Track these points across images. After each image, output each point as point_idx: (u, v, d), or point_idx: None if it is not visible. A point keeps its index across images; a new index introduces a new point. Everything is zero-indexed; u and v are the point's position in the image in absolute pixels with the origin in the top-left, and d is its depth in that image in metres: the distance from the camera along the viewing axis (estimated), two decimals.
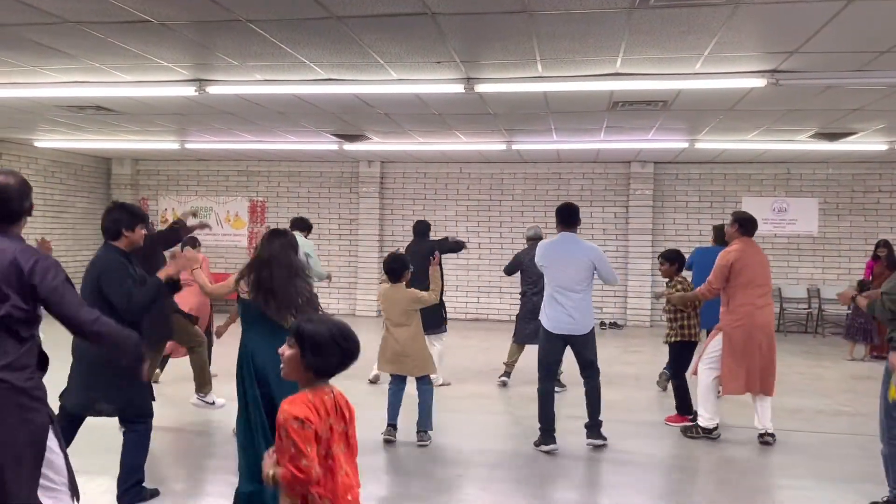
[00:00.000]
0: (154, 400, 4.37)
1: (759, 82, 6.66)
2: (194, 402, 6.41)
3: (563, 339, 5.70)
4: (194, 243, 8.12)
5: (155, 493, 4.41)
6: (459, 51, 6.20)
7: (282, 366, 2.40)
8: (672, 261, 6.87)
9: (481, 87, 7.21)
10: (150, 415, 4.29)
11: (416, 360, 5.68)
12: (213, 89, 7.52)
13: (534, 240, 8.22)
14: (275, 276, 4.11)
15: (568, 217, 5.86)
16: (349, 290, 14.47)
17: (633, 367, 9.54)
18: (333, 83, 7.35)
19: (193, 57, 6.59)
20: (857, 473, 5.24)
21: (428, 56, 6.36)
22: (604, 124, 9.57)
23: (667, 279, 6.95)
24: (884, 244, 10.38)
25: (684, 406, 6.52)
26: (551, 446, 5.59)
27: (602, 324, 13.42)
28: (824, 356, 10.67)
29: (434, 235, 13.35)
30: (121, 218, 4.26)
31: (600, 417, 5.74)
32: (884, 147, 10.69)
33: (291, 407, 2.28)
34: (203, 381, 6.35)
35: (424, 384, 5.79)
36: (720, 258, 6.01)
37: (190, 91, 7.54)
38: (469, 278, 14.19)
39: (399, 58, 6.43)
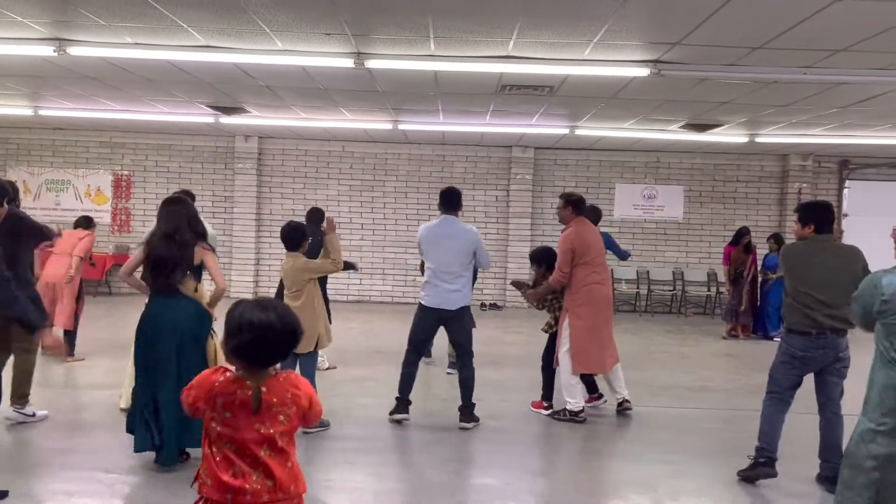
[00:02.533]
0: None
1: (643, 71, 6.89)
2: (8, 416, 5.45)
3: (437, 314, 5.78)
4: (89, 223, 7.97)
5: (3, 495, 3.97)
6: (351, 23, 5.98)
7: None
8: (539, 262, 6.61)
9: (372, 63, 7.01)
10: None
11: (308, 335, 5.43)
12: (74, 50, 6.86)
13: None
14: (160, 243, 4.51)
15: (451, 201, 5.93)
16: (224, 270, 13.74)
17: (513, 347, 9.73)
18: (213, 51, 6.90)
19: (53, 13, 5.96)
20: (722, 447, 5.55)
21: (317, 27, 6.09)
22: (490, 108, 9.62)
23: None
24: (746, 231, 11.16)
25: (548, 394, 6.41)
26: (403, 415, 5.75)
27: (482, 305, 13.61)
28: (688, 335, 11.36)
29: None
30: None
31: (473, 401, 5.85)
32: (744, 139, 11.45)
33: (196, 380, 2.26)
34: (24, 391, 5.52)
35: (308, 364, 5.52)
36: (562, 243, 6.03)
37: (48, 51, 6.84)
38: (352, 259, 13.92)
39: (287, 27, 6.11)
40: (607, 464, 5.25)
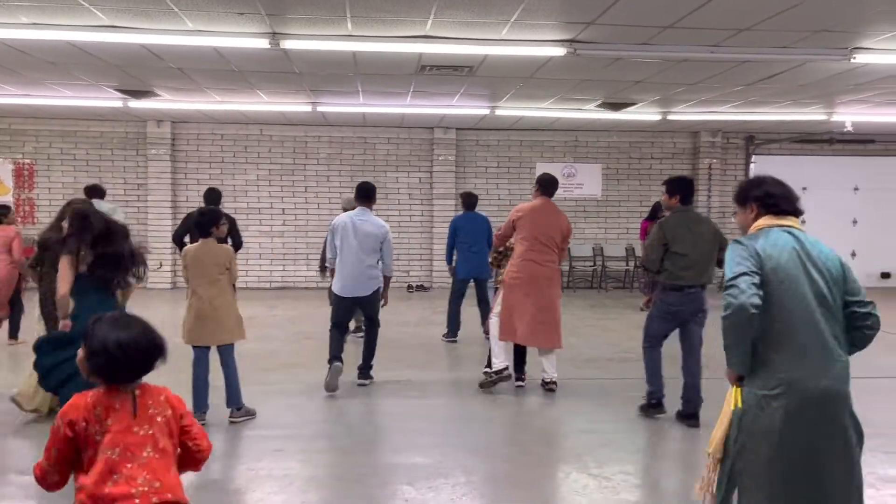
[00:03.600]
0: None
1: (559, 51, 7.00)
2: None
3: (353, 300, 6.36)
4: (7, 212, 7.70)
5: None
6: (265, 2, 5.82)
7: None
8: None
9: (287, 44, 6.85)
10: None
11: (229, 325, 5.34)
12: None
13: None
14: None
15: (365, 194, 6.43)
16: None
17: (440, 327, 9.77)
18: (117, 31, 6.59)
19: None
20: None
21: (230, 6, 5.90)
22: (411, 88, 9.57)
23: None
24: (660, 206, 11.50)
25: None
26: (336, 364, 6.20)
27: (409, 287, 13.62)
28: (609, 308, 11.70)
29: (234, 202, 12.75)
30: None
31: (372, 363, 6.53)
32: (657, 117, 11.82)
33: (66, 405, 2.22)
34: None
35: (230, 354, 5.43)
36: (512, 213, 6.35)
37: None
38: (273, 245, 13.70)
39: (196, 6, 5.90)
40: (536, 436, 5.37)
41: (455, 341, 8.56)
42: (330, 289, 6.64)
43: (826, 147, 14.14)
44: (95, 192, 8.40)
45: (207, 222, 5.34)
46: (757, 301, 2.63)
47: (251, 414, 5.46)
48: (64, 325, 4.41)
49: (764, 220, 2.87)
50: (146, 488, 2.15)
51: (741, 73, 8.33)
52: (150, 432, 2.22)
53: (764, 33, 6.53)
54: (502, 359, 6.29)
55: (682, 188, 5.54)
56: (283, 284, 13.74)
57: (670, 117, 11.78)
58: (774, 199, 2.86)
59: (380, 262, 6.34)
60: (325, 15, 6.15)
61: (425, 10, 6.00)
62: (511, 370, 6.39)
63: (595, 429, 5.40)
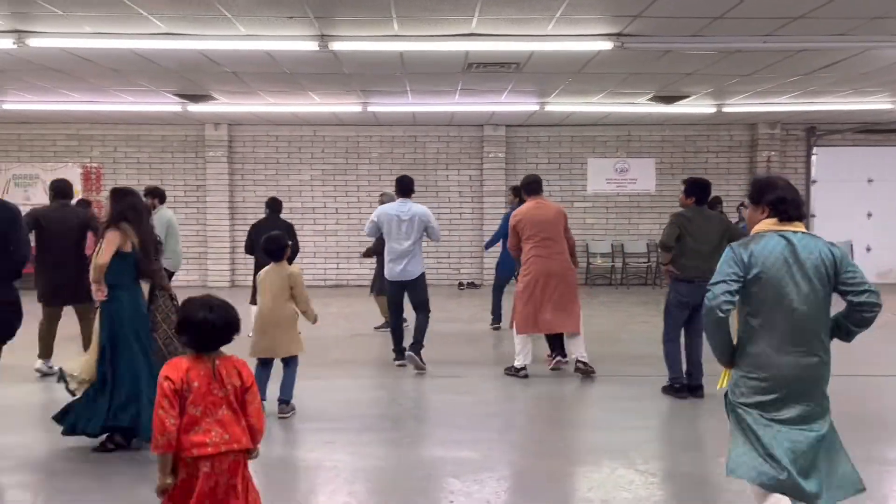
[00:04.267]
0: None
1: (606, 45, 6.94)
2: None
3: (401, 284, 6.92)
4: (88, 206, 8.06)
5: None
6: (313, 6, 5.96)
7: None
8: None
9: (336, 45, 6.99)
10: None
11: (290, 337, 5.53)
12: (34, 42, 6.77)
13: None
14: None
15: (406, 187, 7.05)
16: (199, 260, 13.76)
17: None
18: (175, 38, 6.84)
19: (10, 4, 5.88)
20: (695, 411, 5.70)
21: (279, 10, 6.06)
22: (459, 86, 9.62)
23: None
24: (719, 201, 11.35)
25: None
26: (402, 361, 6.93)
27: (460, 284, 13.69)
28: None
29: (289, 202, 12.99)
30: None
31: (423, 342, 6.91)
32: (712, 109, 11.57)
33: (166, 366, 2.76)
34: None
35: (294, 363, 5.59)
36: (511, 220, 6.80)
37: (7, 43, 6.75)
38: (327, 244, 13.96)
39: (248, 11, 6.08)
40: (583, 432, 5.37)
41: (499, 328, 9.10)
42: (372, 284, 7.43)
43: (893, 137, 13.60)
44: (156, 193, 8.21)
45: (277, 251, 5.57)
46: (727, 306, 3.02)
47: (293, 410, 5.61)
48: (98, 289, 4.70)
49: (767, 225, 3.10)
50: (218, 439, 2.70)
51: (798, 63, 8.10)
52: (225, 395, 2.74)
53: (818, 21, 6.34)
54: (521, 358, 6.64)
55: (697, 190, 6.11)
56: (338, 282, 13.98)
57: (725, 109, 11.51)
58: (785, 206, 3.08)
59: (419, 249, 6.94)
60: (372, 16, 6.26)
61: (469, 9, 6.04)
62: (554, 354, 6.89)
63: (644, 425, 5.37)
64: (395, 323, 7.20)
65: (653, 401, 5.97)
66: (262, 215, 8.96)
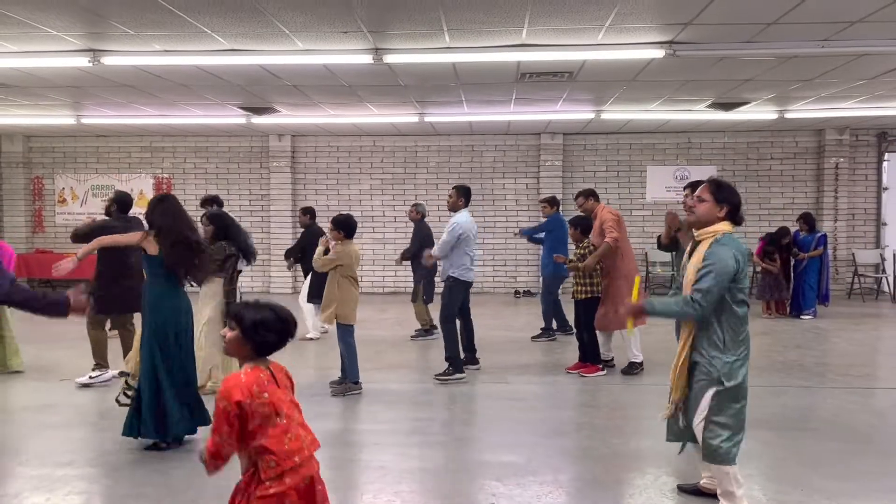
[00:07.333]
0: None
1: (658, 53, 6.92)
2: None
3: (470, 285, 7.31)
4: None
5: None
6: (366, 20, 6.16)
7: (223, 345, 2.70)
8: (576, 226, 7.35)
9: (390, 58, 7.18)
10: None
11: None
12: (108, 60, 7.20)
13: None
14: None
15: (470, 197, 7.42)
16: (263, 267, 14.21)
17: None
18: (237, 54, 7.16)
19: (85, 25, 6.28)
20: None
21: (335, 26, 6.29)
22: (513, 96, 9.71)
23: (576, 242, 7.28)
24: (787, 233, 11.28)
25: (595, 356, 7.20)
26: (477, 366, 7.43)
27: (516, 292, 13.72)
28: None
29: (348, 210, 13.27)
30: None
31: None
32: (773, 116, 11.31)
33: (224, 385, 2.56)
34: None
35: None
36: (609, 213, 7.17)
37: (83, 62, 7.19)
38: (386, 252, 14.20)
39: (305, 27, 6.33)
40: (626, 440, 5.35)
41: (554, 339, 9.15)
42: (415, 292, 8.54)
43: None
44: (213, 202, 8.46)
45: (355, 226, 6.40)
46: (705, 315, 3.58)
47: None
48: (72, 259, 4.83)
49: (727, 226, 3.62)
50: (309, 440, 2.70)
51: (861, 67, 7.88)
52: (292, 398, 2.72)
53: (880, 24, 6.18)
54: (604, 350, 7.36)
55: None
56: (395, 290, 14.20)
57: (789, 115, 11.23)
58: (740, 212, 3.59)
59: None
60: (424, 29, 6.42)
61: (519, 19, 6.14)
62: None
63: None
64: (467, 324, 7.48)
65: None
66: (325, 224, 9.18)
